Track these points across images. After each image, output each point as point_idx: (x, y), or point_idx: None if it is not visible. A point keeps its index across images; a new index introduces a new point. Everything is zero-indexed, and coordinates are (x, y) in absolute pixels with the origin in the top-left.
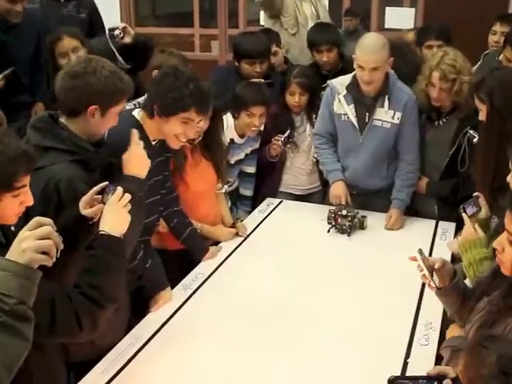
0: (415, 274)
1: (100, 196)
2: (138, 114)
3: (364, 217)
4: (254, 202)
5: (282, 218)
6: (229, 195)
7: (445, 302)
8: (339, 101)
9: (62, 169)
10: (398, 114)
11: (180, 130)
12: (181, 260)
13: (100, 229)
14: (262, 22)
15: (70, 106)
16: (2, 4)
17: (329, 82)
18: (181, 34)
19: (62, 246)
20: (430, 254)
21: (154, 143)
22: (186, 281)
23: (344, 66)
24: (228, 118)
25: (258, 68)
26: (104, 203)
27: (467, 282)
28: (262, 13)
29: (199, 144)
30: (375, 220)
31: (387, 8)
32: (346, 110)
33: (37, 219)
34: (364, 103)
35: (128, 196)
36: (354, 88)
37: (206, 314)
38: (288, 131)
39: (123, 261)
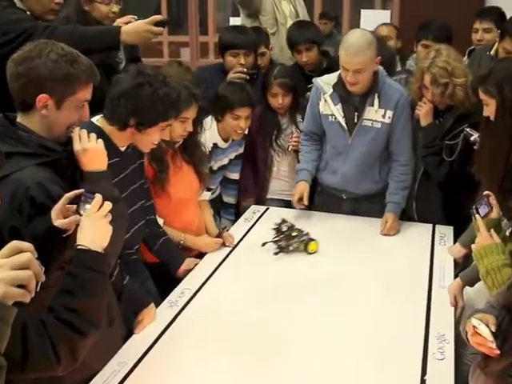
0: (419, 282)
1: (73, 205)
2: (97, 121)
3: (312, 240)
4: (237, 210)
5: (270, 226)
6: (211, 203)
7: None
8: (325, 101)
9: (29, 174)
10: (390, 113)
11: (158, 137)
12: (163, 274)
13: (78, 243)
14: (239, 22)
15: (18, 97)
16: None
17: (314, 80)
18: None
19: (43, 278)
20: (432, 261)
21: (123, 149)
22: (172, 297)
23: (329, 64)
24: (209, 121)
25: (243, 60)
26: (79, 213)
27: (486, 293)
28: (241, 15)
29: (179, 148)
30: (369, 226)
31: (362, 10)
32: (332, 110)
33: (14, 244)
34: (352, 102)
35: (109, 205)
36: (340, 87)
37: (196, 334)
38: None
39: (105, 278)
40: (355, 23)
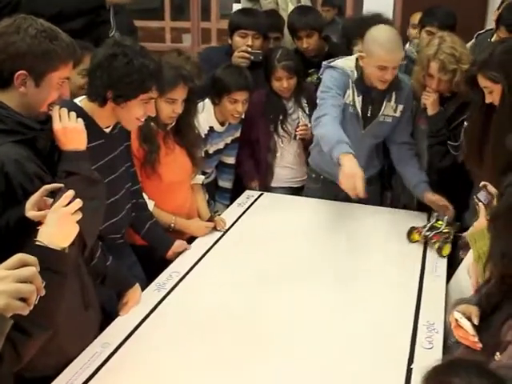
0: (411, 271)
1: (51, 200)
2: (80, 101)
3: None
4: (234, 196)
5: (263, 212)
6: (206, 188)
7: None
8: (352, 89)
9: (5, 151)
10: (400, 107)
11: (141, 111)
12: (152, 257)
13: (37, 238)
14: (241, 5)
15: None
16: None
17: (335, 65)
18: (151, 27)
19: (43, 293)
20: (425, 250)
21: (107, 130)
22: (159, 280)
23: (330, 50)
24: (206, 104)
25: (250, 41)
26: None
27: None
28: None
29: (171, 130)
30: (364, 214)
31: None
32: (355, 100)
33: (20, 257)
34: (371, 97)
35: (79, 202)
36: (361, 83)
37: (182, 318)
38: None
39: (63, 279)
40: (358, 10)
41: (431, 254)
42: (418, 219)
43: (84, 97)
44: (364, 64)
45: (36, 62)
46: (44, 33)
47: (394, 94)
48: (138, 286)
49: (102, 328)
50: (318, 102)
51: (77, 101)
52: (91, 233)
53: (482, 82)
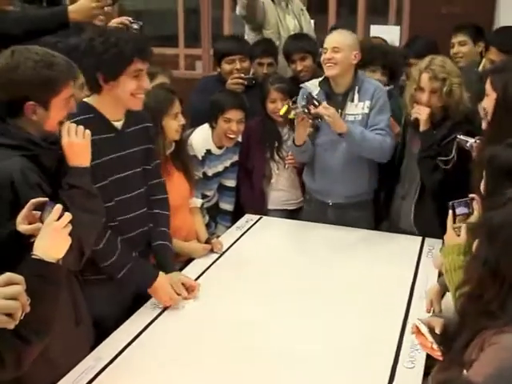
0: (400, 292)
1: (39, 212)
2: (88, 100)
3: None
4: (235, 218)
5: (261, 235)
6: (208, 210)
7: None
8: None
9: (12, 163)
10: (367, 103)
11: (134, 85)
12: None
13: (33, 252)
14: (245, 36)
15: (7, 107)
16: None
17: (302, 85)
18: (166, 53)
19: (28, 309)
20: (416, 273)
21: (118, 125)
22: (155, 299)
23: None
24: (204, 130)
25: (238, 65)
26: (42, 221)
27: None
28: (246, 28)
29: (171, 155)
30: (356, 237)
31: (372, 26)
32: None
33: (9, 276)
34: (336, 100)
35: (68, 216)
36: (325, 84)
37: (173, 337)
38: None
39: (57, 289)
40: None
41: (421, 275)
42: (409, 242)
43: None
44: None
45: (40, 92)
46: (41, 62)
47: (355, 93)
48: (159, 273)
49: (95, 344)
50: None
51: (86, 99)
52: (89, 243)
53: (487, 83)
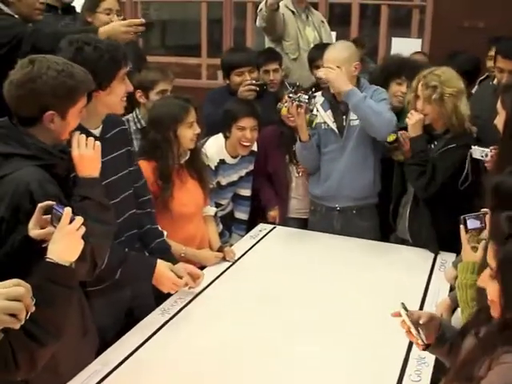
0: (410, 305)
1: (49, 216)
2: None
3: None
4: (250, 227)
5: (274, 244)
6: (222, 219)
7: (438, 355)
8: (317, 110)
9: (29, 172)
10: None
11: (123, 90)
12: None
13: (47, 255)
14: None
15: (23, 116)
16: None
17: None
18: (189, 63)
19: (33, 309)
20: (428, 286)
21: (96, 132)
22: (164, 305)
23: None
24: (218, 139)
25: (248, 77)
26: (53, 225)
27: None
28: (265, 39)
29: (186, 163)
30: (364, 247)
31: (393, 39)
32: (323, 117)
33: (16, 281)
34: (339, 108)
35: (80, 219)
36: (328, 92)
37: (181, 343)
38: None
39: (71, 292)
40: (388, 51)
41: (433, 288)
42: (422, 255)
43: None
44: None
45: (61, 102)
46: (63, 72)
47: None
48: (157, 261)
49: (98, 352)
50: None
51: None
52: (102, 255)
53: (499, 100)
